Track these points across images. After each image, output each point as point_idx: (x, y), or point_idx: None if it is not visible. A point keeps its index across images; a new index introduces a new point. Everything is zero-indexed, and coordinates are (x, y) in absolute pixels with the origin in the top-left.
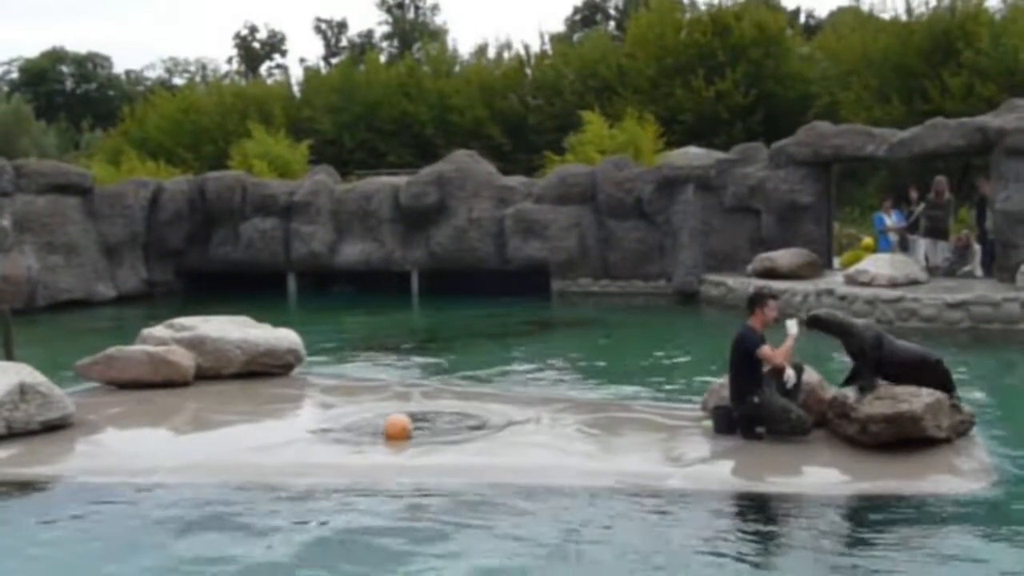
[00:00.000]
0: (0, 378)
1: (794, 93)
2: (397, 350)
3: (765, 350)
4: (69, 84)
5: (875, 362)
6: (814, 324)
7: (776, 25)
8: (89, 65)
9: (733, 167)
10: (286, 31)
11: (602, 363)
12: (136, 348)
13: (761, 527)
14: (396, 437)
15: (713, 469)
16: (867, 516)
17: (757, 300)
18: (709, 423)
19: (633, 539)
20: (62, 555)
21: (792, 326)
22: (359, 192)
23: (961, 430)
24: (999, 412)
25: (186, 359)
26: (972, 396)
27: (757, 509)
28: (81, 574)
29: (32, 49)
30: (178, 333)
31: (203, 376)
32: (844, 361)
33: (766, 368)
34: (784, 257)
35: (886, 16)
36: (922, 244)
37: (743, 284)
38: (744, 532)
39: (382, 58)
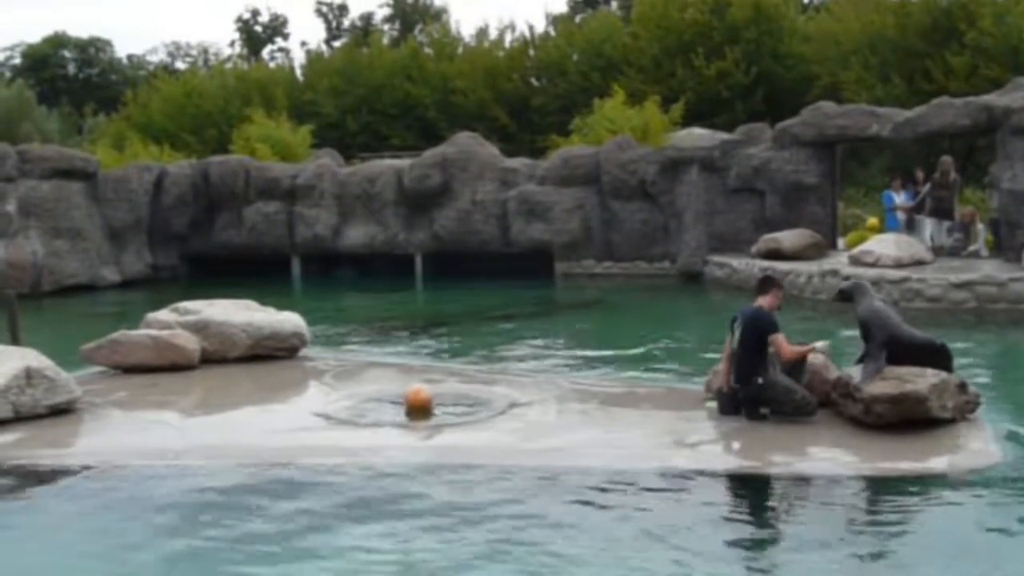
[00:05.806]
0: (7, 363)
1: (794, 73)
2: (401, 333)
3: (780, 338)
4: (71, 69)
5: (881, 345)
6: (849, 293)
7: (772, 4)
8: (91, 50)
9: (737, 148)
10: (288, 14)
11: (606, 345)
12: (141, 332)
13: (766, 508)
14: (418, 409)
15: (718, 450)
16: (872, 496)
17: (770, 283)
18: (713, 404)
19: (637, 520)
20: (51, 538)
21: (823, 347)
22: (362, 175)
23: (966, 410)
24: (1004, 392)
25: (191, 343)
26: (977, 376)
27: (762, 490)
28: (66, 555)
29: (34, 34)
30: (183, 317)
31: (208, 360)
32: (849, 338)
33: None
34: (788, 238)
35: None
36: (927, 224)
37: (747, 265)
38: (749, 513)
39: (384, 41)
